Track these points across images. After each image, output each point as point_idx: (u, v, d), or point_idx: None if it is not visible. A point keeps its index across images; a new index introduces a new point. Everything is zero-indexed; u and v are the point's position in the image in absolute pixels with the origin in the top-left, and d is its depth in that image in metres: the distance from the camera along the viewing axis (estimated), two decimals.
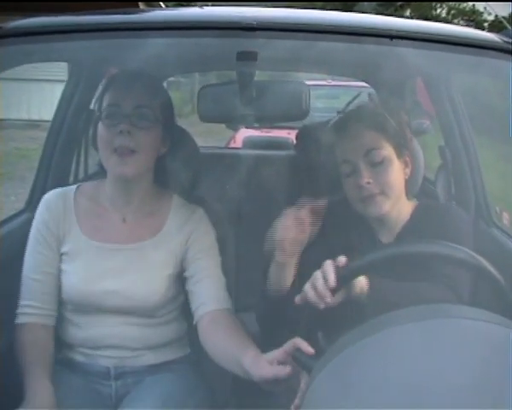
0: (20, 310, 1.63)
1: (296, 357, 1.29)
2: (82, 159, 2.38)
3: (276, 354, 1.35)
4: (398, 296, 1.36)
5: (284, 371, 1.32)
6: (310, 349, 1.27)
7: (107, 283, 1.62)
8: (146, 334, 1.67)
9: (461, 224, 1.60)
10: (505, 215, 2.35)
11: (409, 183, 1.68)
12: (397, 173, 1.61)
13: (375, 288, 1.39)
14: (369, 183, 1.57)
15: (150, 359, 1.68)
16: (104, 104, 1.66)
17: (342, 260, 1.30)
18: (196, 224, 1.72)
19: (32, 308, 1.63)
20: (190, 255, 1.69)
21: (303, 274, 1.55)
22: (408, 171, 1.65)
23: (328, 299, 1.28)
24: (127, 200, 1.70)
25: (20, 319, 1.62)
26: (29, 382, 1.51)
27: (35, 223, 1.71)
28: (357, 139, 1.61)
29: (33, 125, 9.86)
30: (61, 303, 1.68)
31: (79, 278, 1.64)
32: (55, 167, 2.36)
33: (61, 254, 1.67)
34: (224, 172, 1.86)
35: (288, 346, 1.33)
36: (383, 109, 1.66)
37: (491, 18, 22.11)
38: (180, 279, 1.70)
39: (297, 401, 1.22)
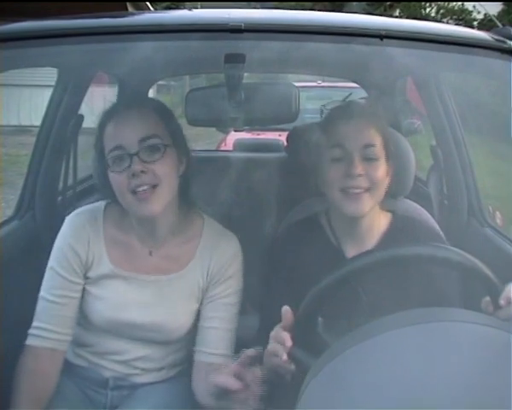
0: (31, 331, 1.58)
1: (293, 355, 1.27)
2: (71, 164, 2.37)
3: (233, 367, 1.25)
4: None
5: (234, 385, 1.22)
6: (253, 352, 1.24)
7: (134, 314, 1.58)
8: (159, 357, 1.64)
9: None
10: (498, 215, 2.35)
11: (395, 187, 1.65)
12: (384, 176, 1.59)
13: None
14: (360, 175, 1.53)
15: (155, 377, 1.66)
16: (106, 150, 1.56)
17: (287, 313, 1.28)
18: (224, 260, 1.64)
19: (45, 331, 1.57)
20: (210, 294, 1.63)
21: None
22: (388, 180, 1.61)
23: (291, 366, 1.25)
24: (153, 235, 1.62)
25: (30, 341, 1.57)
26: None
27: (58, 244, 1.62)
28: (358, 131, 1.58)
29: (24, 130, 9.83)
30: (80, 321, 1.63)
31: (105, 305, 1.59)
32: (44, 173, 2.34)
33: (87, 278, 1.61)
34: (216, 175, 1.85)
35: (243, 358, 1.25)
36: (383, 111, 1.64)
37: (480, 16, 22.24)
38: None
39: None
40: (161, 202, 1.54)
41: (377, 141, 1.58)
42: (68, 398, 1.59)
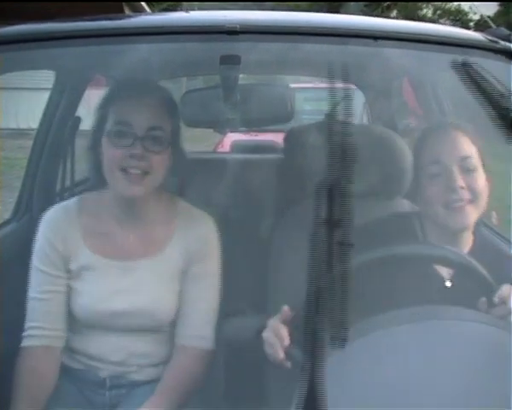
0: (24, 333, 1.58)
1: (289, 354, 1.28)
2: (68, 166, 2.37)
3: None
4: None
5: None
6: None
7: (118, 303, 1.58)
8: (152, 350, 1.64)
9: None
10: (494, 214, 2.35)
11: (392, 187, 1.66)
12: (485, 186, 1.58)
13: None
14: (462, 187, 1.53)
15: (151, 374, 1.65)
16: (112, 119, 1.58)
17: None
18: (201, 239, 1.66)
19: (37, 329, 1.57)
20: (191, 275, 1.64)
21: None
22: (488, 190, 1.59)
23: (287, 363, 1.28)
24: (134, 220, 1.64)
25: (24, 342, 1.57)
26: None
27: (38, 243, 1.63)
28: (455, 143, 1.59)
29: (22, 133, 9.80)
30: (69, 319, 1.63)
31: (88, 297, 1.60)
32: (42, 176, 2.35)
33: (68, 272, 1.62)
34: (212, 177, 1.85)
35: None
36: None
37: (476, 17, 22.25)
38: None
39: None
40: (147, 188, 1.58)
41: (473, 151, 1.59)
42: (67, 400, 1.59)
